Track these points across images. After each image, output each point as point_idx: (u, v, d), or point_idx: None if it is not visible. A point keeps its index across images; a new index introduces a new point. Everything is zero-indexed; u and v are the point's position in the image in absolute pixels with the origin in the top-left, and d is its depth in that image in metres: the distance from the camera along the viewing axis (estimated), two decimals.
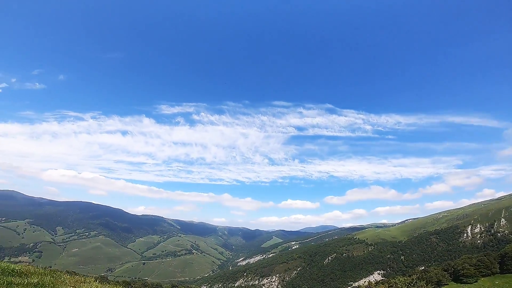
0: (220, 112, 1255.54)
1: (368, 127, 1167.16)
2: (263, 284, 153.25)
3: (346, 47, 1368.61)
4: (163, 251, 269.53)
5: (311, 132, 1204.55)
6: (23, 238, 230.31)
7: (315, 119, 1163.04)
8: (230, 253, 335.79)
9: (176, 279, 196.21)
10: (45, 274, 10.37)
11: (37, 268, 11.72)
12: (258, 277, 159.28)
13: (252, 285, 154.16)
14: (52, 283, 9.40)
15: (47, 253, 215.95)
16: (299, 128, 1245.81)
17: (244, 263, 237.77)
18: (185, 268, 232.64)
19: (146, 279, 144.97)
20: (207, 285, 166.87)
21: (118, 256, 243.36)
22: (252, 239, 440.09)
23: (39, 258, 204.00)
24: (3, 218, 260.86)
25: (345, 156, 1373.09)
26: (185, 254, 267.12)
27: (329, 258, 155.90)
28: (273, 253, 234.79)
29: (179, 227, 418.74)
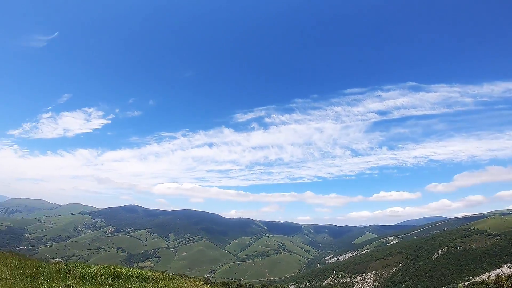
0: (290, 110, 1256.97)
1: (468, 100, 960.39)
2: (356, 282, 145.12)
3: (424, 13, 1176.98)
4: (254, 252, 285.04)
5: (396, 114, 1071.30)
6: (145, 245, 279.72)
7: (398, 100, 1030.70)
8: (317, 251, 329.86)
9: (266, 279, 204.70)
10: (169, 279, 11.77)
11: (163, 273, 13.83)
12: (350, 275, 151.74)
13: (343, 282, 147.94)
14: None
15: (164, 258, 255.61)
16: (381, 113, 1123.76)
17: (333, 260, 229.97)
18: (273, 267, 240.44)
19: (241, 280, 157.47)
20: (294, 284, 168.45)
21: (218, 258, 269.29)
22: (340, 236, 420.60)
23: (158, 262, 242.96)
24: (130, 229, 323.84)
25: (446, 135, 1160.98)
26: (273, 254, 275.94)
27: (439, 252, 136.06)
28: (367, 249, 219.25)
29: (266, 228, 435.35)
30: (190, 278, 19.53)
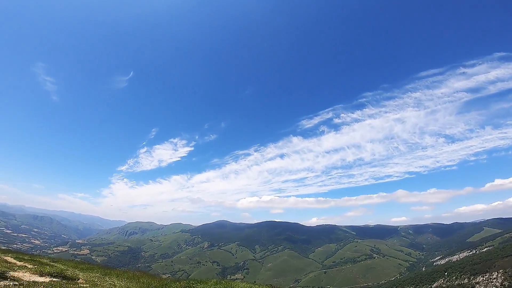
0: (360, 106, 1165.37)
1: None
2: (477, 283, 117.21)
3: None
4: (341, 259, 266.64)
5: (492, 89, 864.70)
6: (236, 258, 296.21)
7: (489, 73, 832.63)
8: (420, 253, 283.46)
9: (359, 285, 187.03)
10: None
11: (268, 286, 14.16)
12: (468, 275, 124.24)
13: (458, 284, 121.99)
14: None
15: (252, 269, 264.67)
16: (472, 90, 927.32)
17: (443, 261, 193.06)
18: (366, 273, 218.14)
19: (327, 287, 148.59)
20: None
21: (302, 267, 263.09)
22: (449, 234, 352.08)
23: (247, 274, 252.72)
24: (222, 243, 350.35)
25: None
26: (365, 259, 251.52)
27: None
28: (488, 246, 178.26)
29: (354, 233, 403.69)
30: None
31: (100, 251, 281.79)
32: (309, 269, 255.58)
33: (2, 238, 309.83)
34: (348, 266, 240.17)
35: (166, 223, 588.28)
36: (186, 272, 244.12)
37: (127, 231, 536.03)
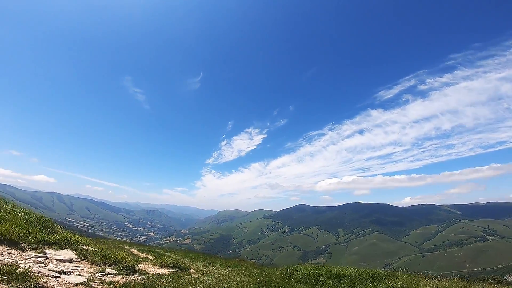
0: (449, 69, 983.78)
1: None
2: None
3: None
4: (444, 241, 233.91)
5: None
6: (317, 242, 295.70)
7: None
8: None
9: (466, 270, 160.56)
10: (398, 276, 9.59)
11: (396, 272, 11.20)
12: None
13: None
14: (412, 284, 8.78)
15: (335, 254, 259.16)
16: None
17: None
18: (476, 257, 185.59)
19: (427, 272, 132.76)
20: None
21: (394, 251, 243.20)
22: None
23: (330, 258, 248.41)
24: (302, 227, 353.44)
25: None
26: (475, 241, 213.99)
27: None
28: None
29: (459, 212, 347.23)
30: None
31: (199, 240, 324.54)
32: (403, 253, 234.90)
33: (127, 232, 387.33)
34: (452, 249, 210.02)
35: (250, 209, 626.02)
36: (269, 257, 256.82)
37: (218, 219, 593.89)
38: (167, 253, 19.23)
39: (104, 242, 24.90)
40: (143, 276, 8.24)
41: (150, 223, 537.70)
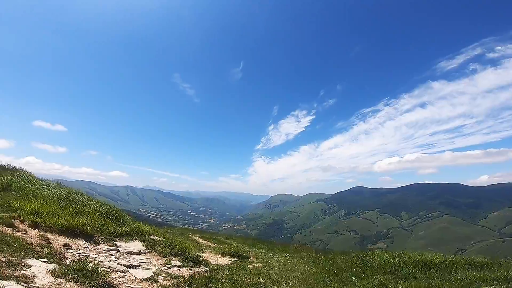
0: None
1: None
2: None
3: None
4: None
5: None
6: (377, 226, 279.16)
7: None
8: None
9: None
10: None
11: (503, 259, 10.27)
12: None
13: None
14: None
15: (397, 238, 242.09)
16: None
17: None
18: None
19: (508, 258, 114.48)
20: None
21: (468, 235, 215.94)
22: None
23: (392, 243, 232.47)
24: (360, 211, 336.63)
25: None
26: None
27: None
28: None
29: None
30: None
31: (253, 225, 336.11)
32: (479, 238, 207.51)
33: (190, 220, 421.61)
34: None
35: (302, 193, 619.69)
36: (324, 242, 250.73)
37: (270, 204, 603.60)
38: (227, 240, 19.70)
39: (171, 230, 26.88)
40: (207, 268, 8.15)
41: (209, 210, 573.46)
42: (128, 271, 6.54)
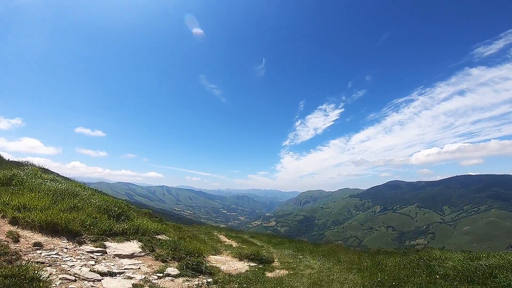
0: None
1: None
2: None
3: None
4: None
5: None
6: (416, 221, 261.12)
7: None
8: None
9: None
10: None
11: None
12: None
13: None
14: None
15: (439, 234, 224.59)
16: None
17: None
18: None
19: None
20: None
21: None
22: None
23: (433, 239, 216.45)
24: (397, 206, 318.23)
25: None
26: None
27: None
28: None
29: None
30: None
31: (283, 222, 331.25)
32: None
33: (222, 218, 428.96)
34: None
35: (334, 189, 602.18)
36: (358, 238, 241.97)
37: (300, 201, 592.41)
38: (251, 239, 17.98)
39: (198, 228, 25.78)
40: (210, 280, 6.15)
41: (240, 208, 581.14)
42: (100, 281, 4.80)
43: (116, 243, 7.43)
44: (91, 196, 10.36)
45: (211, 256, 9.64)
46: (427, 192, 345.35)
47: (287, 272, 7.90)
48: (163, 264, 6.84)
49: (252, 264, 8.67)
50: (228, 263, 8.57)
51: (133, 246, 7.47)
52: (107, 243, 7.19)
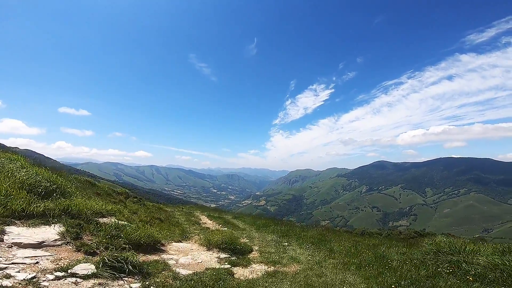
0: None
1: None
2: None
3: None
4: None
5: None
6: (400, 202, 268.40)
7: None
8: None
9: None
10: None
11: None
12: None
13: None
14: None
15: (421, 216, 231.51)
16: None
17: None
18: None
19: None
20: None
21: (497, 215, 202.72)
22: None
23: (415, 221, 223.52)
24: (382, 186, 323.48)
25: None
26: None
27: None
28: None
29: None
30: None
31: (272, 201, 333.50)
32: (509, 217, 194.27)
33: (212, 197, 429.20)
34: None
35: (322, 168, 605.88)
36: (344, 218, 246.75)
37: (290, 180, 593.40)
38: (234, 220, 16.40)
39: (182, 208, 23.54)
40: (137, 285, 4.26)
41: (230, 187, 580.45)
42: None
43: (24, 228, 5.27)
44: (19, 169, 8.03)
45: (173, 243, 7.65)
46: (411, 173, 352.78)
47: (266, 269, 5.90)
48: (87, 257, 4.77)
49: (222, 255, 6.69)
50: (192, 254, 6.61)
51: (48, 233, 5.33)
52: (9, 228, 5.03)
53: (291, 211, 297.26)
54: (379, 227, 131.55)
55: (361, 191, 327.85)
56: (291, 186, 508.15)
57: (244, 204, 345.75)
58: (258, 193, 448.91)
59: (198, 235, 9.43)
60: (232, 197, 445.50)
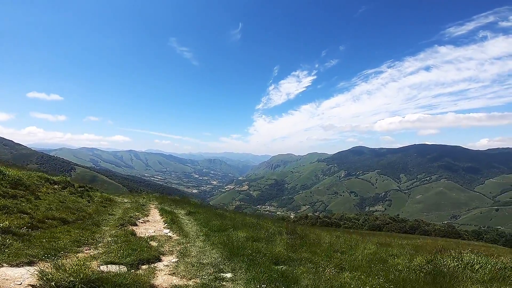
0: None
1: None
2: None
3: None
4: None
5: None
6: (376, 188, 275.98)
7: None
8: None
9: None
10: None
11: None
12: None
13: None
14: None
15: (395, 201, 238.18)
16: None
17: None
18: None
19: (499, 228, 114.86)
20: None
21: (464, 202, 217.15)
22: None
23: (389, 206, 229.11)
24: (360, 171, 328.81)
25: None
26: None
27: None
28: None
29: None
30: None
31: (255, 186, 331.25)
32: (474, 204, 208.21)
33: (194, 182, 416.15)
34: None
35: (303, 153, 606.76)
36: (324, 203, 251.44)
37: (272, 164, 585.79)
38: (185, 218, 12.87)
39: (144, 197, 20.20)
40: None
41: (212, 172, 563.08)
42: None
43: None
44: None
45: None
46: (387, 159, 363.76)
47: None
48: None
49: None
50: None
51: None
52: None
53: (273, 195, 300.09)
54: (356, 212, 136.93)
55: (339, 176, 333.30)
56: (273, 170, 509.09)
57: (227, 189, 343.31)
58: (241, 178, 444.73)
59: (85, 251, 5.79)
60: (215, 182, 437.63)
